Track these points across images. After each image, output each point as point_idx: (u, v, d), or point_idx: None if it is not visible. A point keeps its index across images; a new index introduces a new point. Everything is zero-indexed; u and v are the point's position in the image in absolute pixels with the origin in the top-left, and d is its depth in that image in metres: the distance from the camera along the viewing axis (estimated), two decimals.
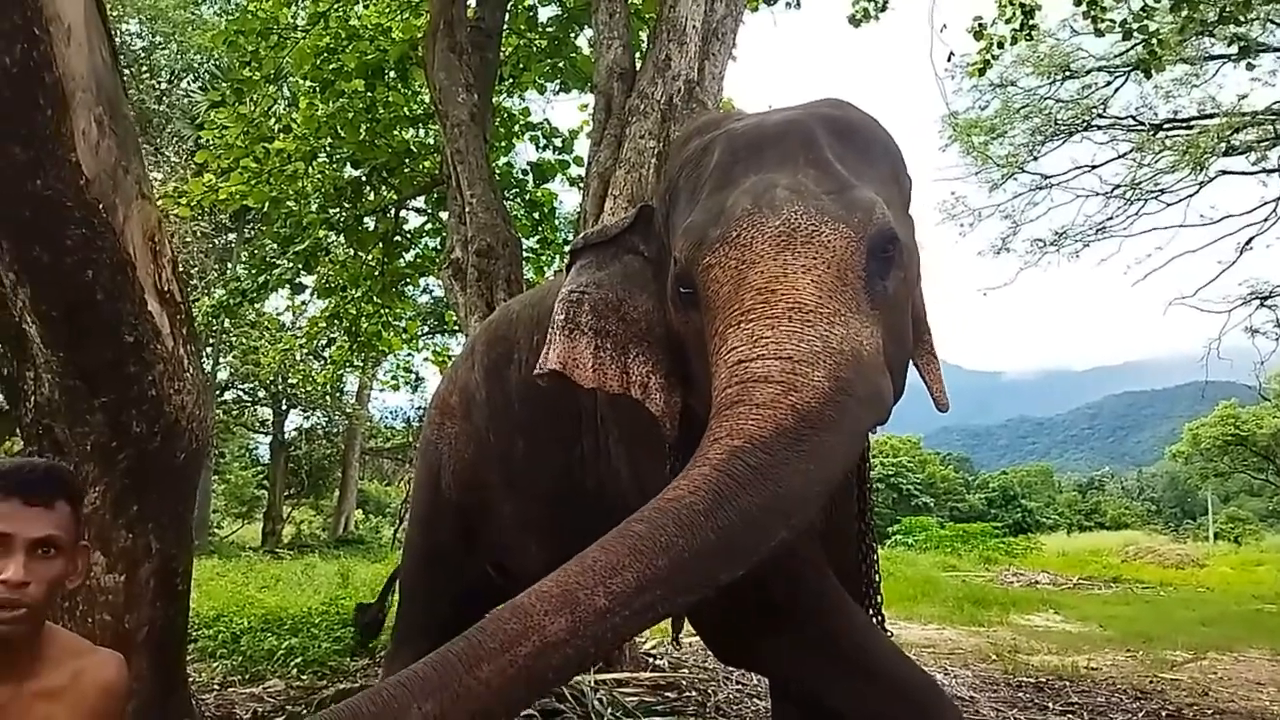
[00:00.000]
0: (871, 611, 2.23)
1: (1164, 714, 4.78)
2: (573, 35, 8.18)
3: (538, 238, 8.81)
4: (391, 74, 7.81)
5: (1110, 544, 29.14)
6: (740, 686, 4.95)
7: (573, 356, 2.00)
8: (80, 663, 1.47)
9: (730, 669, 5.11)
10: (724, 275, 1.64)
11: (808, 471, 1.39)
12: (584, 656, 1.26)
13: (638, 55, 5.69)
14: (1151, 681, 5.77)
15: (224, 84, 8.44)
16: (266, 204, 8.08)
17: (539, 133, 8.67)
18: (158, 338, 3.01)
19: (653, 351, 2.01)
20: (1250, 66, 9.71)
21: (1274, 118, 13.21)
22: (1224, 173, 14.28)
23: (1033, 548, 26.03)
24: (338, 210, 8.24)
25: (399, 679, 1.22)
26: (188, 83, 18.69)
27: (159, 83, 18.14)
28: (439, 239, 8.72)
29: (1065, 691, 5.27)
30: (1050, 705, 4.87)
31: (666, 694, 4.70)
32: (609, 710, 4.10)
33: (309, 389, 20.13)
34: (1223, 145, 13.15)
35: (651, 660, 5.50)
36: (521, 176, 8.77)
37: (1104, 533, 39.43)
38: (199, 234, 17.43)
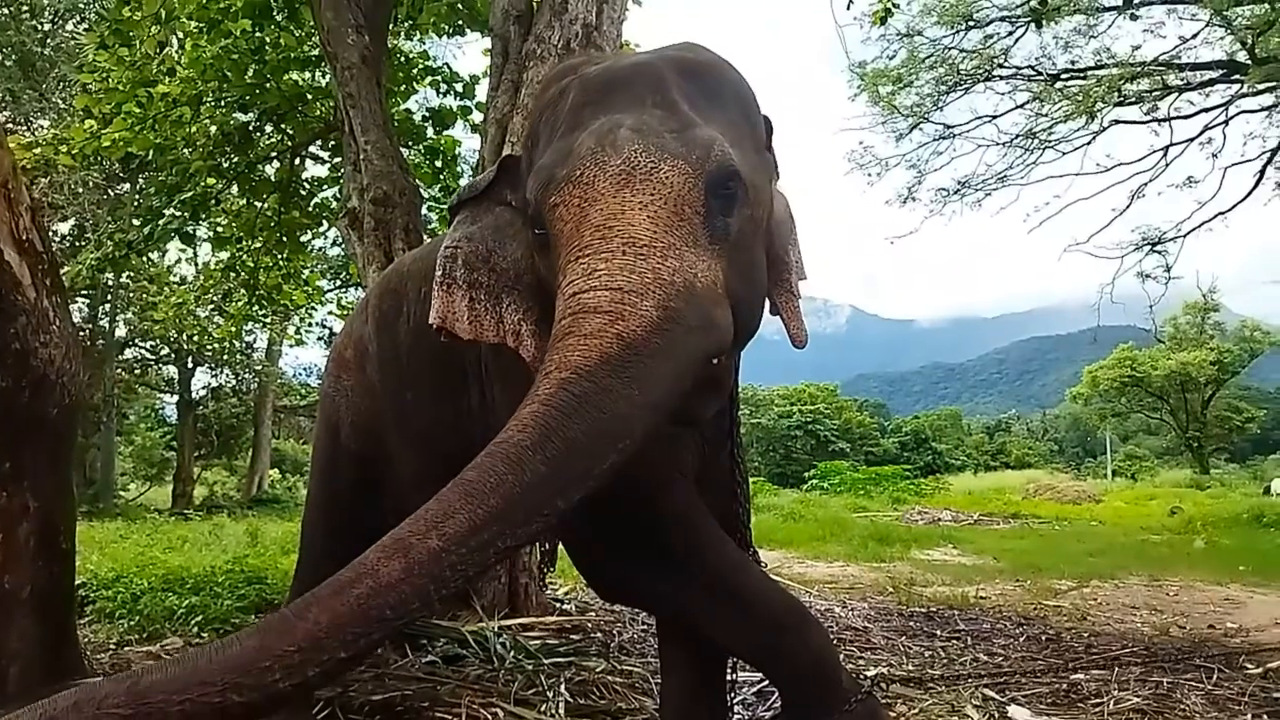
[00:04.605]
0: (742, 545, 2.32)
1: (1044, 638, 5.00)
2: None
3: (440, 186, 8.63)
4: (281, 14, 7.50)
5: (1013, 483, 30.50)
6: (645, 627, 5.04)
7: (450, 310, 2.05)
8: None
9: (636, 611, 5.21)
10: (567, 214, 1.69)
11: (631, 397, 1.45)
12: (423, 594, 1.29)
13: None
14: (1035, 608, 6.07)
15: (105, 25, 7.97)
16: (151, 151, 7.73)
17: (439, 78, 8.45)
18: (18, 288, 2.89)
19: (524, 299, 2.04)
20: (1134, 17, 10.02)
21: (1163, 68, 13.68)
22: (1117, 122, 14.76)
23: (940, 488, 27.09)
24: (227, 157, 7.93)
25: (237, 634, 1.30)
26: (73, 24, 17.59)
27: (42, 24, 17.06)
28: (339, 188, 8.49)
29: (953, 619, 5.52)
30: (938, 632, 5.09)
31: (571, 636, 4.76)
32: (511, 654, 4.14)
33: (208, 344, 19.51)
34: (1115, 95, 13.57)
35: (558, 605, 5.57)
36: (421, 123, 8.54)
37: (1009, 472, 41.21)
38: (90, 185, 16.58)
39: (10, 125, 14.97)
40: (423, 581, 1.28)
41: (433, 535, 1.31)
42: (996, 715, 3.26)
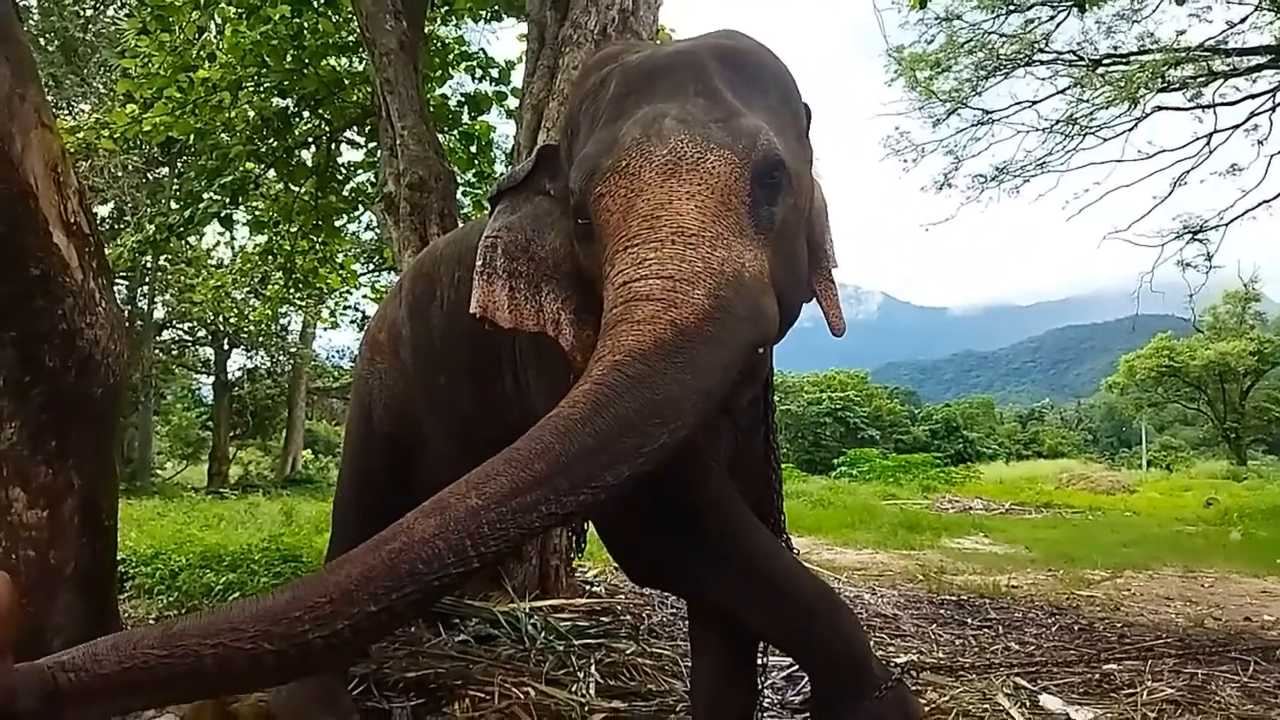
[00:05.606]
0: (776, 531, 2.33)
1: (1076, 628, 4.98)
2: None
3: (475, 171, 8.67)
4: (320, 0, 7.57)
5: (1046, 472, 30.15)
6: (674, 610, 5.07)
7: (490, 300, 2.05)
8: None
9: (666, 594, 5.24)
10: (614, 204, 1.69)
11: (684, 381, 1.44)
12: (459, 550, 1.28)
13: None
14: (1068, 598, 6.04)
15: (146, 10, 8.08)
16: (192, 136, 7.84)
17: (474, 63, 8.49)
18: (66, 270, 2.94)
19: (562, 287, 2.04)
20: (1180, 1, 9.83)
21: (1208, 54, 13.39)
22: (1160, 108, 14.49)
23: (971, 476, 26.83)
24: (266, 142, 8.04)
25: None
26: (115, 10, 17.79)
27: (83, 10, 17.29)
28: (375, 172, 8.56)
29: (984, 608, 5.51)
30: (969, 620, 5.08)
31: (601, 618, 4.81)
32: (542, 635, 4.19)
33: (245, 327, 19.80)
34: (1158, 81, 13.31)
35: (589, 587, 5.61)
36: (457, 108, 8.59)
37: (1041, 461, 40.72)
38: (130, 168, 16.83)
39: (53, 110, 15.20)
40: (458, 538, 1.27)
41: (472, 495, 1.32)
42: (1028, 704, 3.25)
